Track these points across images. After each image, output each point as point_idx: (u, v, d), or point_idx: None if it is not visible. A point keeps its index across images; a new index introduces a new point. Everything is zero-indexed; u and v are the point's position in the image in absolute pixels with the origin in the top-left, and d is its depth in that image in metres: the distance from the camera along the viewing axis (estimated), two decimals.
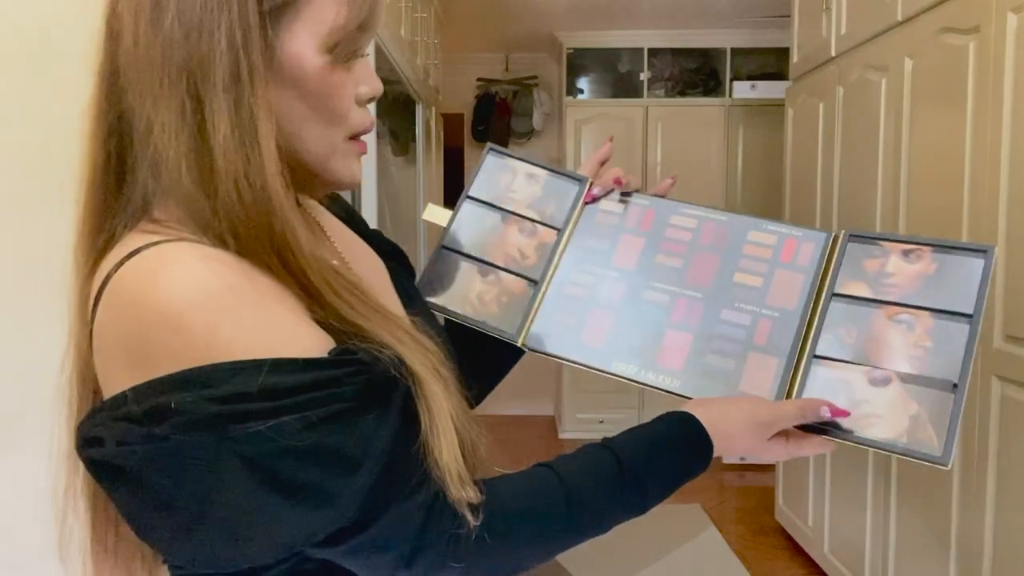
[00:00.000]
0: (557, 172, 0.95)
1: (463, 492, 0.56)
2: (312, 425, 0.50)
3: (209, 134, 0.53)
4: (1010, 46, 1.62)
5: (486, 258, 0.90)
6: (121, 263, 0.52)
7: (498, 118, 4.78)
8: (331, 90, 0.59)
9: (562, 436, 4.47)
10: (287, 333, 0.52)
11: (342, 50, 0.58)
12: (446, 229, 0.92)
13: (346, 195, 2.39)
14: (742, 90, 4.17)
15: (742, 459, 3.98)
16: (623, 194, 0.93)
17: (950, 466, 0.72)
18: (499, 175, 0.95)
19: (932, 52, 1.93)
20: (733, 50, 4.33)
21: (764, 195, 4.19)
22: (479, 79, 4.84)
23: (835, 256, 0.84)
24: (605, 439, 0.69)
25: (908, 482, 2.08)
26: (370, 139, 2.38)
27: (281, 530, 0.50)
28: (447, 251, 0.90)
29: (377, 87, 0.63)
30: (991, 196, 1.69)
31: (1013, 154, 1.63)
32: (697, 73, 4.43)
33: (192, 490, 0.49)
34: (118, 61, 0.56)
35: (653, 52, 4.37)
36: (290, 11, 0.56)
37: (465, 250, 0.90)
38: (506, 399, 4.88)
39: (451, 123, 4.63)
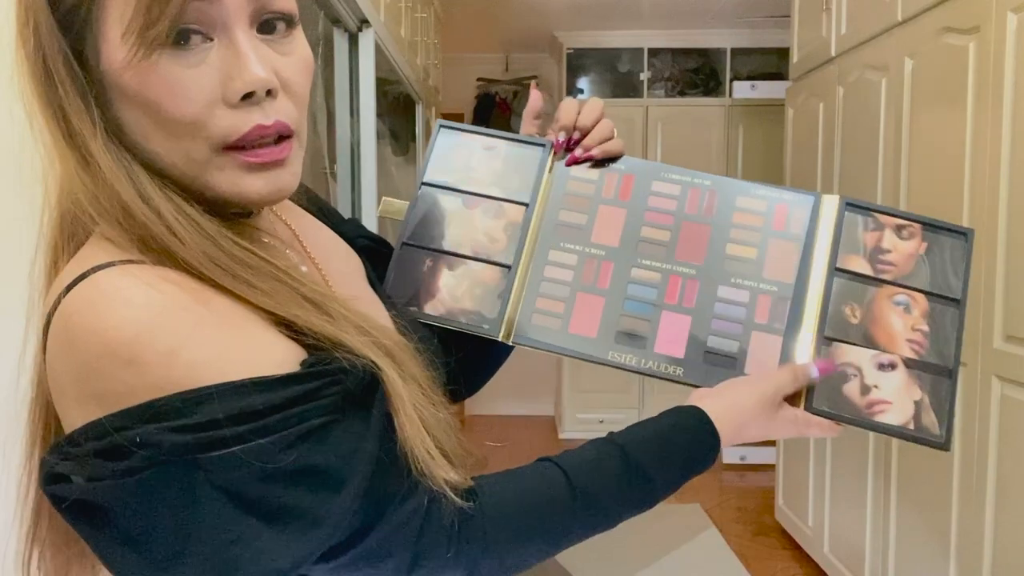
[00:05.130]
0: (516, 139, 0.86)
1: (450, 475, 0.53)
2: (290, 445, 0.47)
3: (93, 165, 0.50)
4: (1010, 46, 1.62)
5: (452, 249, 0.82)
6: (65, 292, 0.48)
7: (498, 118, 4.78)
8: (156, 89, 0.48)
9: (562, 436, 4.47)
10: (252, 350, 0.49)
11: (144, 35, 0.46)
12: (404, 222, 0.83)
13: (346, 194, 2.39)
14: (742, 90, 4.17)
15: (742, 459, 3.98)
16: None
17: (950, 449, 0.75)
18: (455, 154, 0.86)
19: (932, 52, 1.93)
20: (733, 50, 4.32)
21: None
22: (479, 79, 4.84)
23: (833, 224, 0.81)
24: (611, 434, 0.67)
25: (908, 482, 2.08)
26: (369, 139, 2.38)
27: (270, 558, 0.47)
28: (409, 247, 0.82)
29: (250, 79, 0.49)
30: (991, 196, 1.69)
31: (1013, 154, 1.63)
32: (697, 73, 4.43)
33: (168, 526, 0.45)
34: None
35: (653, 52, 4.37)
36: (85, 8, 0.49)
37: (428, 243, 0.82)
38: (506, 399, 4.88)
39: None
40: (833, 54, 2.50)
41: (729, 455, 3.99)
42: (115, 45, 0.48)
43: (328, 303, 0.54)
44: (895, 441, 2.12)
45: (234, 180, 0.51)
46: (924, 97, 1.98)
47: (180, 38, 0.48)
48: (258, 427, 0.46)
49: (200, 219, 0.52)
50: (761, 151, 4.22)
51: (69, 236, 0.55)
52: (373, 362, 0.52)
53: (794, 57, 2.86)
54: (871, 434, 2.24)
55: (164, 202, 0.51)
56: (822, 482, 2.63)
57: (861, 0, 2.30)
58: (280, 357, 0.50)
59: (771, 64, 4.28)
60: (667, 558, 2.90)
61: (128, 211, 0.50)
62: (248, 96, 0.50)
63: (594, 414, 4.38)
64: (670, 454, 0.67)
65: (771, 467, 3.48)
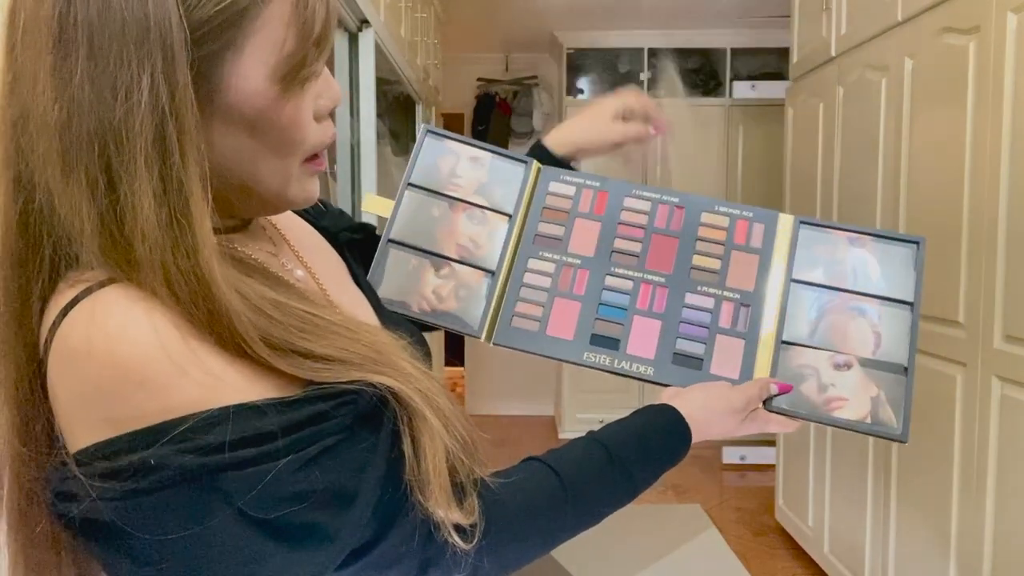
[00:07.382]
0: (501, 154, 0.92)
1: (450, 515, 0.53)
2: (303, 466, 0.47)
3: (124, 216, 0.46)
4: (1010, 46, 1.62)
5: (438, 250, 0.86)
6: (62, 316, 0.47)
7: (498, 118, 4.78)
8: (288, 121, 0.52)
9: (562, 436, 4.47)
10: (258, 373, 0.49)
11: (295, 76, 0.51)
12: (390, 221, 0.86)
13: (346, 195, 2.38)
14: (742, 90, 4.17)
15: (742, 459, 3.98)
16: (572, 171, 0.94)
17: (907, 441, 0.80)
18: (440, 159, 0.91)
19: (932, 52, 1.93)
20: (733, 50, 4.32)
21: (764, 195, 4.19)
22: (479, 79, 4.84)
23: (789, 239, 0.89)
24: (591, 433, 0.71)
25: (908, 482, 2.08)
26: (370, 139, 2.38)
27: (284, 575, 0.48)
28: (395, 245, 0.85)
29: (336, 95, 0.56)
30: (991, 196, 1.69)
31: (1013, 154, 1.63)
32: (697, 73, 4.43)
33: (182, 547, 0.45)
34: (16, 110, 0.48)
35: (653, 52, 4.37)
36: (231, 50, 0.48)
37: (414, 243, 0.86)
38: (506, 399, 4.88)
39: (451, 123, 4.63)
40: (833, 54, 2.50)
41: (729, 455, 3.99)
42: (258, 81, 0.50)
43: (382, 353, 0.54)
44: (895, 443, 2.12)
45: (305, 187, 0.57)
46: (924, 97, 1.98)
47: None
48: (271, 449, 0.46)
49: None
50: (761, 151, 4.22)
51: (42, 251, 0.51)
52: (387, 387, 0.52)
53: (794, 57, 2.86)
54: None
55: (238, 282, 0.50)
56: (822, 482, 2.63)
57: (861, 0, 2.31)
58: (285, 379, 0.50)
59: (771, 64, 4.28)
60: (667, 558, 2.90)
61: (208, 299, 0.47)
62: (331, 110, 0.56)
63: (594, 414, 4.38)
64: (650, 452, 0.71)
65: (771, 467, 3.48)
